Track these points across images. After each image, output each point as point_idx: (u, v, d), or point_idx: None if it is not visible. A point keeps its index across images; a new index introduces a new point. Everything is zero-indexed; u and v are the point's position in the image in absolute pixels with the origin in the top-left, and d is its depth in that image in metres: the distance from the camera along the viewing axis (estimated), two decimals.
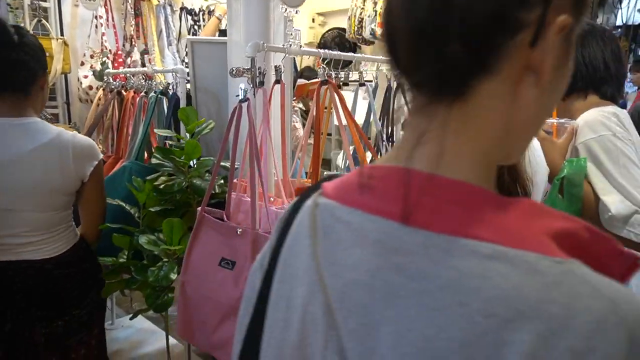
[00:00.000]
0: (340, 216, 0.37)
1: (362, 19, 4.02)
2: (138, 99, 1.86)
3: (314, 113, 1.51)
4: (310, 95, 3.38)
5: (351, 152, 1.50)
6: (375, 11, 3.91)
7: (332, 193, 0.40)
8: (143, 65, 2.98)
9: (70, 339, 1.31)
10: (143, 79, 2.25)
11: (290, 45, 1.35)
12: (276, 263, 0.41)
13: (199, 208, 1.25)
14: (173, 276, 1.30)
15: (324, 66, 1.43)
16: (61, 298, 1.27)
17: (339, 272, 0.36)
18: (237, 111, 1.22)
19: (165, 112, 1.81)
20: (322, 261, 0.37)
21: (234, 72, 1.22)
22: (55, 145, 1.21)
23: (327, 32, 4.41)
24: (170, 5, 3.17)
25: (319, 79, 1.43)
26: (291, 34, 1.36)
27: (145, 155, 1.81)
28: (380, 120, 1.79)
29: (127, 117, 1.91)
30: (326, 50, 1.42)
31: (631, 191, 1.13)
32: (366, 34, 3.96)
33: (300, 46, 1.37)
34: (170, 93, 1.76)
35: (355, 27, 4.07)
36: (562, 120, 1.26)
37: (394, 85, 1.75)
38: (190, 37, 2.03)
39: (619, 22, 7.88)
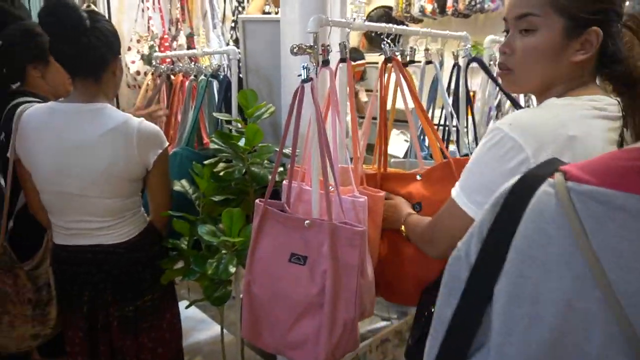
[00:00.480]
0: (619, 203, 0.33)
1: None
2: (187, 83, 1.80)
3: (378, 94, 1.38)
4: (356, 78, 3.24)
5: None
6: None
7: (593, 178, 0.35)
8: (189, 48, 2.93)
9: (142, 323, 1.34)
10: (190, 62, 2.19)
11: (354, 19, 1.23)
12: (499, 254, 0.38)
13: (258, 200, 1.16)
14: (232, 269, 1.23)
15: (388, 41, 1.30)
16: (133, 282, 1.31)
17: (628, 265, 0.32)
18: (299, 92, 1.11)
19: (216, 95, 1.73)
20: (599, 253, 0.33)
21: (295, 50, 1.12)
22: (121, 131, 1.21)
23: (373, 10, 4.22)
24: None
25: (364, 61, 1.30)
26: (355, 8, 1.23)
27: (196, 141, 1.76)
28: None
29: (176, 102, 1.86)
30: (393, 25, 1.28)
31: None
32: (415, 11, 3.77)
33: (364, 20, 1.24)
34: (221, 76, 1.68)
35: (403, 5, 3.87)
36: None
37: (464, 64, 1.59)
38: (242, 16, 1.94)
39: None
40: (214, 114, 1.54)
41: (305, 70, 1.10)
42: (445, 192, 1.16)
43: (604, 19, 0.78)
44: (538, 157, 0.74)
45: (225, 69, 1.67)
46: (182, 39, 2.97)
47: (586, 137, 0.76)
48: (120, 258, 1.29)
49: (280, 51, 1.59)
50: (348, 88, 1.24)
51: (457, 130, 1.61)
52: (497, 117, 2.07)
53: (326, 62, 1.16)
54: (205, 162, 1.42)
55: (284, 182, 1.23)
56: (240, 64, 1.76)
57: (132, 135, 1.21)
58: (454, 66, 1.64)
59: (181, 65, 1.88)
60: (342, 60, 1.24)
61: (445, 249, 0.80)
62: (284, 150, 1.41)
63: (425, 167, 1.34)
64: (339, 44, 1.23)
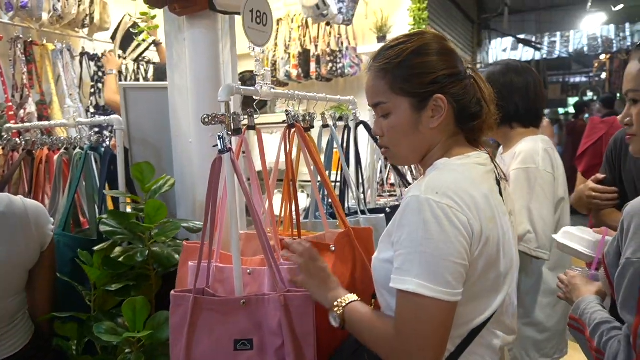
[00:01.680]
0: None
1: (275, 61, 4.02)
2: (56, 157, 1.55)
3: (281, 159, 1.37)
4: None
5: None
6: (288, 53, 3.94)
7: None
8: (41, 117, 2.57)
9: None
10: (42, 133, 1.92)
11: (261, 87, 1.22)
12: None
13: (174, 291, 1.01)
14: None
15: (291, 109, 1.32)
16: None
17: None
18: (216, 164, 1.04)
19: (95, 171, 1.52)
20: None
21: (207, 120, 1.05)
22: (12, 213, 1.09)
23: (240, 74, 4.30)
24: (69, 50, 2.82)
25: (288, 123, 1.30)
26: (261, 75, 1.23)
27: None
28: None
29: (41, 180, 1.58)
30: (295, 92, 1.31)
31: (535, 217, 1.37)
32: (281, 76, 3.96)
33: (272, 88, 1.24)
34: (102, 148, 1.49)
35: (270, 69, 4.05)
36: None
37: (353, 125, 1.69)
38: (124, 83, 1.78)
39: (491, 60, 9.08)
40: (105, 192, 1.34)
41: (221, 140, 1.04)
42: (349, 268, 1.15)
43: (439, 86, 0.87)
44: (474, 215, 0.79)
45: (107, 141, 1.49)
46: (31, 107, 2.60)
47: (492, 193, 0.87)
48: None
49: (167, 119, 1.50)
50: (260, 155, 1.21)
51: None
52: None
53: (238, 131, 1.12)
54: (96, 247, 1.22)
55: (190, 263, 1.10)
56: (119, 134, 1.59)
57: (26, 214, 1.11)
58: (345, 128, 1.74)
59: (29, 137, 1.62)
60: (251, 127, 1.21)
61: (435, 352, 0.76)
62: (191, 224, 1.31)
63: (331, 230, 1.31)
64: (247, 111, 1.20)
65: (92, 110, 2.96)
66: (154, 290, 1.29)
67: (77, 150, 1.50)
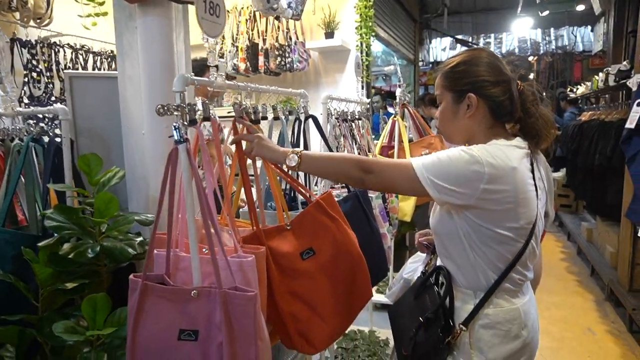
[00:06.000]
0: None
1: (223, 54, 3.96)
2: None
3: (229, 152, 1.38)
4: None
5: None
6: (236, 47, 3.90)
7: None
8: None
9: None
10: None
11: (216, 78, 1.23)
12: None
13: (133, 275, 1.01)
14: None
15: (240, 102, 1.33)
16: None
17: None
18: (173, 155, 1.04)
19: (36, 164, 1.45)
20: None
21: (161, 110, 1.05)
22: None
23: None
24: None
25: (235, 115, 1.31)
26: (215, 66, 1.23)
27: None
28: None
29: None
30: (249, 84, 1.33)
31: None
32: (228, 69, 3.91)
33: (225, 79, 1.25)
34: (45, 139, 1.42)
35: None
36: None
37: (303, 117, 1.73)
38: (69, 71, 1.69)
39: (431, 59, 9.44)
40: (50, 186, 1.28)
41: (177, 130, 1.03)
42: (330, 231, 1.27)
43: (473, 87, 1.18)
44: (490, 175, 1.08)
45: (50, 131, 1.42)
46: None
47: (520, 168, 1.13)
48: None
49: (117, 110, 1.46)
50: (216, 147, 1.21)
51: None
52: None
53: (194, 122, 1.12)
54: (41, 244, 1.16)
55: (155, 251, 1.10)
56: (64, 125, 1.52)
57: None
58: (295, 120, 1.76)
59: None
60: (206, 119, 1.21)
61: (378, 186, 1.20)
62: (143, 216, 1.29)
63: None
64: (202, 103, 1.20)
65: (25, 100, 2.77)
66: (105, 286, 1.26)
67: (17, 141, 1.42)
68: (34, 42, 2.85)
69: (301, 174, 1.71)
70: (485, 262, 1.17)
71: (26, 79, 2.78)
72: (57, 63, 3.02)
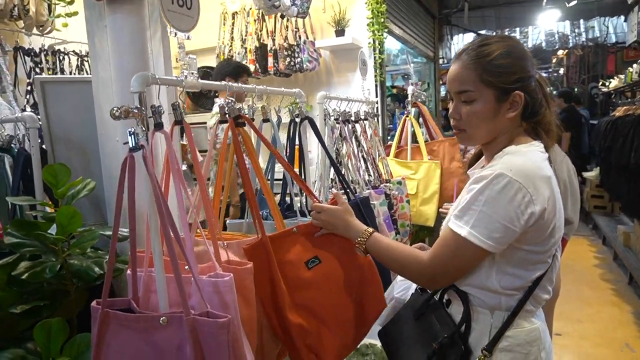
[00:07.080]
0: None
1: (232, 56, 3.87)
2: None
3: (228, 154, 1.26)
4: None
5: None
6: (245, 48, 3.81)
7: None
8: None
9: None
10: None
11: (186, 77, 1.10)
12: None
13: (95, 302, 0.90)
14: None
15: (232, 99, 1.20)
16: None
17: None
18: (127, 163, 0.92)
19: (9, 174, 1.37)
20: None
21: (117, 113, 0.93)
22: None
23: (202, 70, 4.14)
24: (1, 45, 2.60)
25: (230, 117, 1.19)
26: (185, 65, 1.11)
27: None
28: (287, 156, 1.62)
29: None
30: (228, 83, 1.20)
31: None
32: None
33: (198, 78, 1.12)
34: (15, 149, 1.34)
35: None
36: None
37: (299, 119, 1.59)
38: (40, 77, 1.62)
39: (453, 56, 9.13)
40: (8, 199, 1.19)
41: (132, 136, 0.91)
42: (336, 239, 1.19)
43: (522, 84, 1.03)
44: (535, 194, 0.94)
45: (22, 140, 1.34)
46: None
47: (552, 175, 1.01)
48: None
49: (93, 115, 1.36)
50: (190, 152, 1.09)
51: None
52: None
53: (159, 125, 1.00)
54: None
55: (128, 271, 0.99)
56: (43, 133, 1.44)
57: None
58: (290, 122, 1.64)
59: None
60: (178, 122, 1.09)
61: (452, 281, 1.06)
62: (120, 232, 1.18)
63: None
64: (172, 105, 1.08)
65: (29, 109, 2.74)
66: (75, 308, 1.16)
67: None
68: (37, 50, 2.82)
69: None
70: (509, 282, 1.03)
71: (29, 88, 2.75)
72: (62, 70, 2.99)
